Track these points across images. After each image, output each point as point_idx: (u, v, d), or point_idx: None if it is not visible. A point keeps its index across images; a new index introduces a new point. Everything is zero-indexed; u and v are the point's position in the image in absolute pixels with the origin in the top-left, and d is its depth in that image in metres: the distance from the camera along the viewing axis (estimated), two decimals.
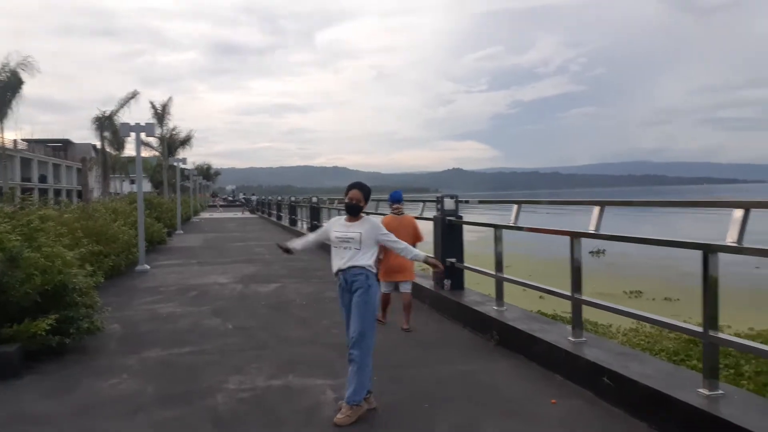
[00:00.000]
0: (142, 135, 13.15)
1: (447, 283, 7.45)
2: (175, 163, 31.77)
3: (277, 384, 4.67)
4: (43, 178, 62.92)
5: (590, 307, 4.95)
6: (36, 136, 64.82)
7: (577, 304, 4.91)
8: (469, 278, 7.68)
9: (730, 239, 3.47)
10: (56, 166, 67.90)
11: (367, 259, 4.07)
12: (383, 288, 6.37)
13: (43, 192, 56.51)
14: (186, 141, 45.58)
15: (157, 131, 38.13)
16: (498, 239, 6.29)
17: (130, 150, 40.96)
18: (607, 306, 4.66)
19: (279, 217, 29.68)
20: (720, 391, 3.50)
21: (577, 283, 4.88)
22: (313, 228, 17.80)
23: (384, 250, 6.03)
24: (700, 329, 3.64)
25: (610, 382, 4.06)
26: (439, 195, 7.92)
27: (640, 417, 3.74)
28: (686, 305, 10.08)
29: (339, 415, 3.83)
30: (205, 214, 45.06)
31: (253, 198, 53.59)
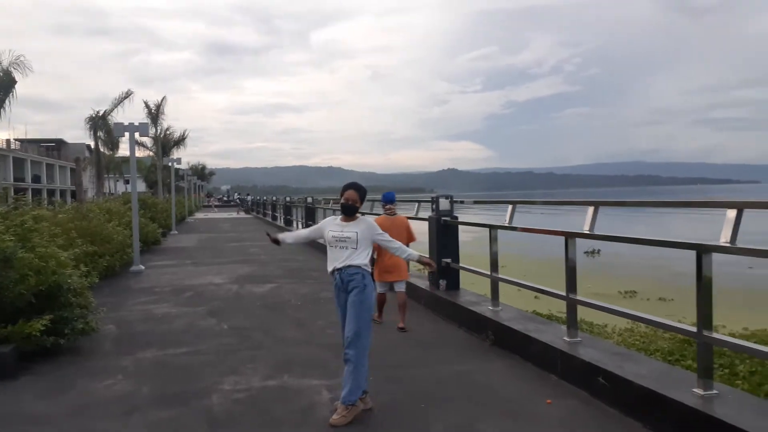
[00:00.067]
0: (137, 135, 13.11)
1: (442, 283, 7.47)
2: (170, 163, 31.69)
3: (272, 384, 4.67)
4: (36, 178, 62.55)
5: (585, 307, 4.96)
6: (29, 136, 64.63)
7: (572, 304, 4.93)
8: (464, 278, 7.70)
9: (724, 239, 3.49)
10: (50, 166, 67.53)
11: (363, 258, 4.10)
12: (378, 288, 6.38)
13: (37, 192, 56.23)
14: (180, 141, 45.39)
15: (152, 131, 37.98)
16: (493, 239, 6.31)
17: (124, 150, 40.82)
18: (601, 306, 4.67)
19: (274, 218, 29.67)
20: (714, 391, 3.51)
21: (572, 283, 4.90)
22: None
23: (378, 251, 6.04)
24: (694, 329, 3.65)
25: (605, 382, 4.08)
26: (434, 195, 7.95)
27: (635, 417, 3.76)
28: (680, 305, 10.11)
29: (335, 416, 3.82)
30: (199, 215, 44.97)
31: (248, 198, 53.46)
